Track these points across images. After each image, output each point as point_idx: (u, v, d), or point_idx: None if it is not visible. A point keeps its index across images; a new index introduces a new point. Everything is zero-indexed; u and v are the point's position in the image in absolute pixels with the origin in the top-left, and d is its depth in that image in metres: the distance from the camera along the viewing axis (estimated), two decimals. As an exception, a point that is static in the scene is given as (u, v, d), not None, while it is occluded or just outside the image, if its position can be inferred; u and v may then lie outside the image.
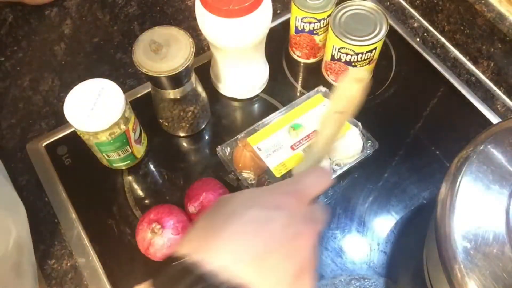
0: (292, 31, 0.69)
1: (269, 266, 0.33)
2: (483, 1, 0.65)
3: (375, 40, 0.62)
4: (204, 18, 0.57)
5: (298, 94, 0.71)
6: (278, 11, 0.79)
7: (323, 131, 0.47)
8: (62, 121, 0.68)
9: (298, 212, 0.36)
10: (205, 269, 0.31)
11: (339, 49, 0.64)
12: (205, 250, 0.33)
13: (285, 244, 0.34)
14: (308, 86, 0.71)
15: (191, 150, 0.67)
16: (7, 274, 0.50)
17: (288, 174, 0.59)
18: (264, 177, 0.59)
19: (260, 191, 0.39)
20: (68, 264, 0.59)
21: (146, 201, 0.62)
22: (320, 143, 0.46)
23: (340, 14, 0.64)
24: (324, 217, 0.39)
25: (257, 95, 0.70)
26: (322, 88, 0.65)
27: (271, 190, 0.39)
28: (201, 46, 0.76)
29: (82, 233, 0.60)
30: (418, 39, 0.76)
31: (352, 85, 0.46)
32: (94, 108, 0.54)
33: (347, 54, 0.64)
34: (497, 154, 0.45)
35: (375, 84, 0.71)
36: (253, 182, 0.59)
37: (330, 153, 0.49)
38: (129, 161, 0.63)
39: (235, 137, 0.62)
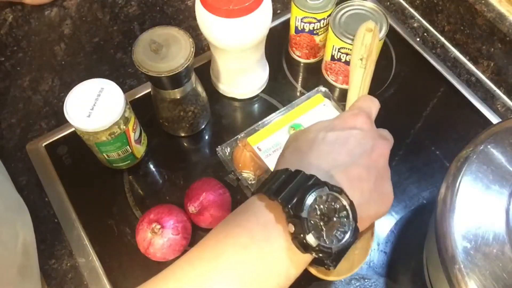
0: (292, 31, 0.69)
1: (355, 175, 0.38)
2: (483, 1, 0.65)
3: (375, 40, 0.62)
4: (204, 18, 0.57)
5: (298, 94, 0.71)
6: (278, 11, 0.79)
7: (353, 77, 0.55)
8: (62, 121, 0.68)
9: (369, 129, 0.42)
10: (310, 172, 0.36)
11: (339, 49, 0.64)
12: (302, 166, 0.37)
13: (365, 156, 0.39)
14: (308, 86, 0.71)
15: (191, 150, 0.67)
16: (14, 276, 0.50)
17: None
18: (264, 177, 0.59)
19: (331, 119, 0.43)
20: (68, 264, 0.59)
21: (146, 201, 0.62)
22: (353, 88, 0.54)
23: (340, 14, 0.64)
24: (390, 136, 0.45)
25: (257, 95, 0.70)
26: (322, 88, 0.65)
27: (340, 116, 0.44)
28: (201, 46, 0.76)
29: (82, 233, 0.60)
30: (418, 39, 0.76)
31: (365, 35, 0.57)
32: (94, 108, 0.54)
33: (347, 54, 0.64)
34: (497, 154, 0.45)
35: (375, 84, 0.71)
36: (253, 182, 0.59)
37: (366, 91, 0.56)
38: (129, 161, 0.63)
39: (235, 137, 0.62)
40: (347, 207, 0.35)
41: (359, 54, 0.56)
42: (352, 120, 0.42)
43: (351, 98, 0.53)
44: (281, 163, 0.41)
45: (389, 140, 0.44)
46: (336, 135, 0.40)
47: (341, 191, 0.35)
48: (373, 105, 0.46)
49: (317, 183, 0.35)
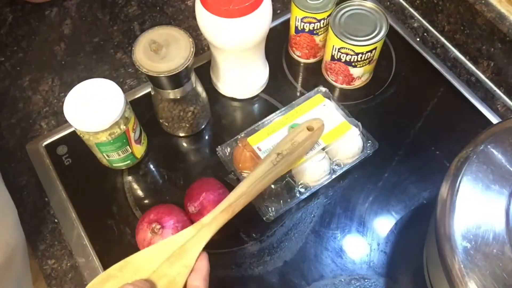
0: (292, 31, 0.69)
1: None
2: (483, 1, 0.65)
3: (375, 40, 0.62)
4: (204, 18, 0.57)
5: (298, 94, 0.71)
6: (278, 11, 0.79)
7: (258, 166, 0.53)
8: (62, 121, 0.68)
9: None
10: None
11: (339, 49, 0.64)
12: None
13: None
14: (308, 86, 0.71)
15: (191, 150, 0.67)
16: None
17: (288, 175, 0.59)
18: (264, 177, 0.59)
19: None
20: (68, 264, 0.59)
21: (146, 201, 0.62)
22: (251, 177, 0.51)
23: (340, 14, 0.64)
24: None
25: (257, 95, 0.70)
26: (322, 88, 0.65)
27: None
28: (201, 46, 0.76)
29: (82, 233, 0.60)
30: (418, 39, 0.76)
31: (301, 132, 0.55)
32: (94, 108, 0.54)
33: (347, 54, 0.64)
34: (497, 154, 0.45)
35: (375, 84, 0.71)
36: (253, 182, 0.59)
37: (258, 193, 0.52)
38: (129, 161, 0.63)
39: (235, 137, 0.62)
40: None
41: (280, 148, 0.54)
42: None
43: (243, 185, 0.51)
44: None
45: None
46: None
47: None
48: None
49: None
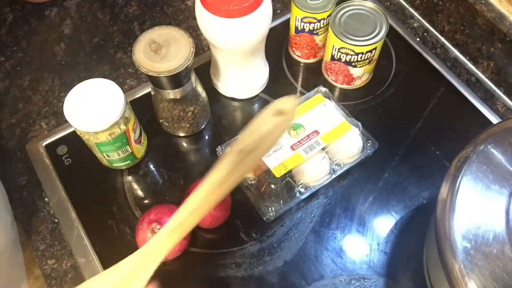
0: (292, 31, 0.69)
1: None
2: (483, 1, 0.65)
3: (375, 40, 0.62)
4: (204, 18, 0.57)
5: (298, 94, 0.71)
6: (278, 11, 0.79)
7: (216, 167, 0.41)
8: (62, 121, 0.68)
9: None
10: None
11: (339, 49, 0.64)
12: None
13: None
14: (308, 86, 0.71)
15: (191, 150, 0.67)
16: None
17: (288, 175, 0.59)
18: (264, 177, 0.59)
19: None
20: (68, 264, 0.59)
21: (146, 201, 0.62)
22: (209, 182, 0.41)
23: (340, 14, 0.64)
24: None
25: (257, 95, 0.70)
26: (322, 88, 0.65)
27: None
28: (201, 46, 0.76)
29: (82, 233, 0.60)
30: (418, 39, 0.76)
31: (269, 119, 0.41)
32: (94, 108, 0.54)
33: (347, 54, 0.64)
34: (497, 154, 0.45)
35: (375, 84, 0.71)
36: (253, 182, 0.59)
37: (218, 201, 0.42)
38: (129, 161, 0.63)
39: (235, 137, 0.62)
40: None
41: (243, 143, 0.41)
42: None
43: (192, 200, 0.42)
44: None
45: None
46: None
47: None
48: None
49: None
